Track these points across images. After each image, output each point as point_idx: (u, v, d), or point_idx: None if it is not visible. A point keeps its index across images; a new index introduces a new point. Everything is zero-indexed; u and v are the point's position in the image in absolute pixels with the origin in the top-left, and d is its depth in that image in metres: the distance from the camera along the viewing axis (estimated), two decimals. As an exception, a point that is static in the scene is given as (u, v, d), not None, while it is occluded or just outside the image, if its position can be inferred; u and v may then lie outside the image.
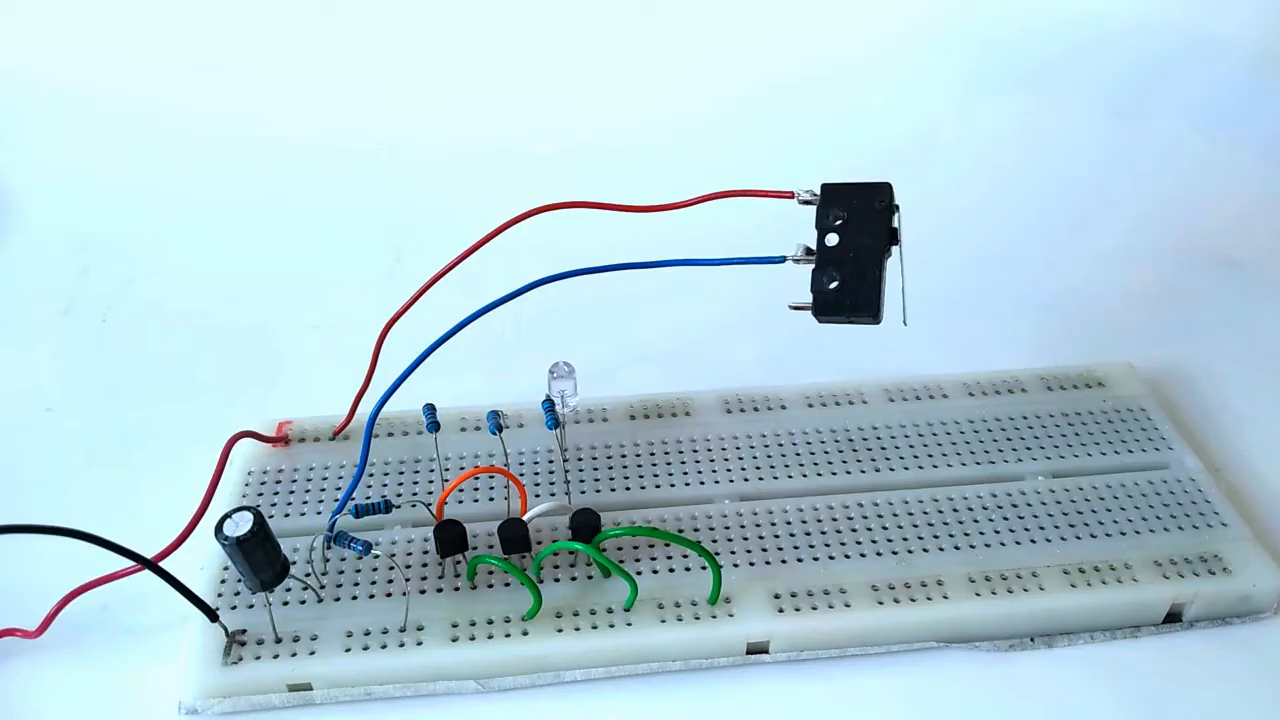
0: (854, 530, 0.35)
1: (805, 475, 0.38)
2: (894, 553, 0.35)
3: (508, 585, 0.33)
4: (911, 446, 0.39)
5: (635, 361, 0.44)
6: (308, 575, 0.33)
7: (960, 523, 0.36)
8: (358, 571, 0.34)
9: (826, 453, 0.38)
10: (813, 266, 0.32)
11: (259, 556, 0.30)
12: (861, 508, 0.36)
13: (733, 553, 0.35)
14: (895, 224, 0.31)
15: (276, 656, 0.31)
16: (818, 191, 0.32)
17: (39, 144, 0.57)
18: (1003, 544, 0.35)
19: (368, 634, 0.32)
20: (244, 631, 0.32)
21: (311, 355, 0.45)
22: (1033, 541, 0.35)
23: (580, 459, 0.38)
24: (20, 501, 0.38)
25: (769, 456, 0.38)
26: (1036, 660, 0.33)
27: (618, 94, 0.58)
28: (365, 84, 0.58)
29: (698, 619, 0.33)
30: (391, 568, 0.34)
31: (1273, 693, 0.32)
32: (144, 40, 0.58)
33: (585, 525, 0.34)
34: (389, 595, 0.33)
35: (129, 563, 0.30)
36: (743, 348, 0.45)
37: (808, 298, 0.32)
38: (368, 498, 0.36)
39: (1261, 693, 0.32)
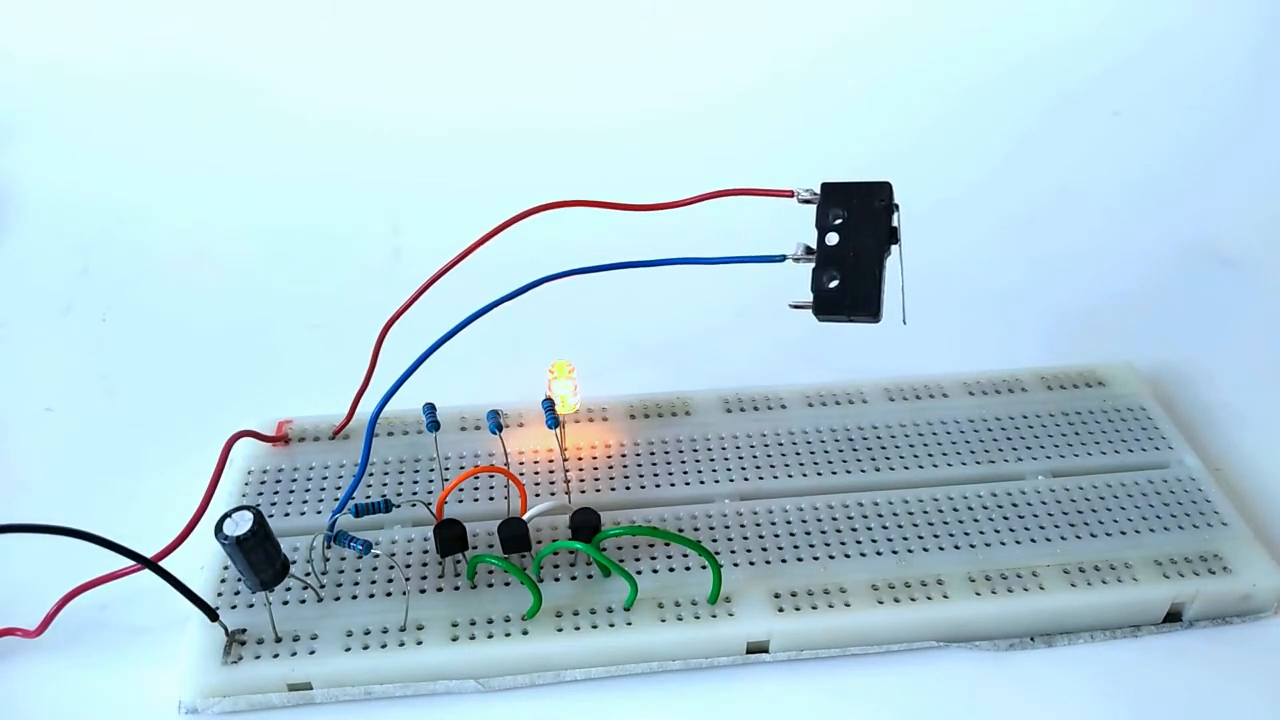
0: (854, 530, 0.35)
1: (805, 475, 0.38)
2: (894, 552, 0.35)
3: (508, 585, 0.33)
4: (911, 446, 0.39)
5: (635, 361, 0.44)
6: (308, 575, 0.33)
7: (960, 522, 0.36)
8: (358, 571, 0.34)
9: (826, 452, 0.38)
10: (813, 265, 0.32)
11: (259, 556, 0.30)
12: (861, 507, 0.36)
13: (733, 552, 0.35)
14: (895, 223, 0.31)
15: (276, 656, 0.31)
16: (817, 190, 0.32)
17: (39, 144, 0.57)
18: (1003, 543, 0.35)
19: (368, 633, 0.32)
20: (244, 631, 0.32)
21: (311, 355, 0.45)
22: (1033, 541, 0.35)
23: (580, 458, 0.38)
24: (20, 501, 0.38)
25: (769, 456, 0.38)
26: (1036, 660, 0.33)
27: (618, 90, 0.58)
28: (364, 84, 0.58)
29: (698, 618, 0.33)
30: (391, 567, 0.34)
31: (1273, 693, 0.32)
32: (142, 40, 0.58)
33: (585, 525, 0.34)
34: (389, 595, 0.33)
35: (129, 562, 0.30)
36: (743, 347, 0.45)
37: (808, 297, 0.32)
38: (368, 497, 0.36)
39: (1261, 693, 0.32)
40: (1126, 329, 0.47)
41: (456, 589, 0.33)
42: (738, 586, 0.33)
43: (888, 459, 0.38)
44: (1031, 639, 0.33)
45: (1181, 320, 0.48)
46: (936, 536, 0.35)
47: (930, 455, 0.38)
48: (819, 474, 0.38)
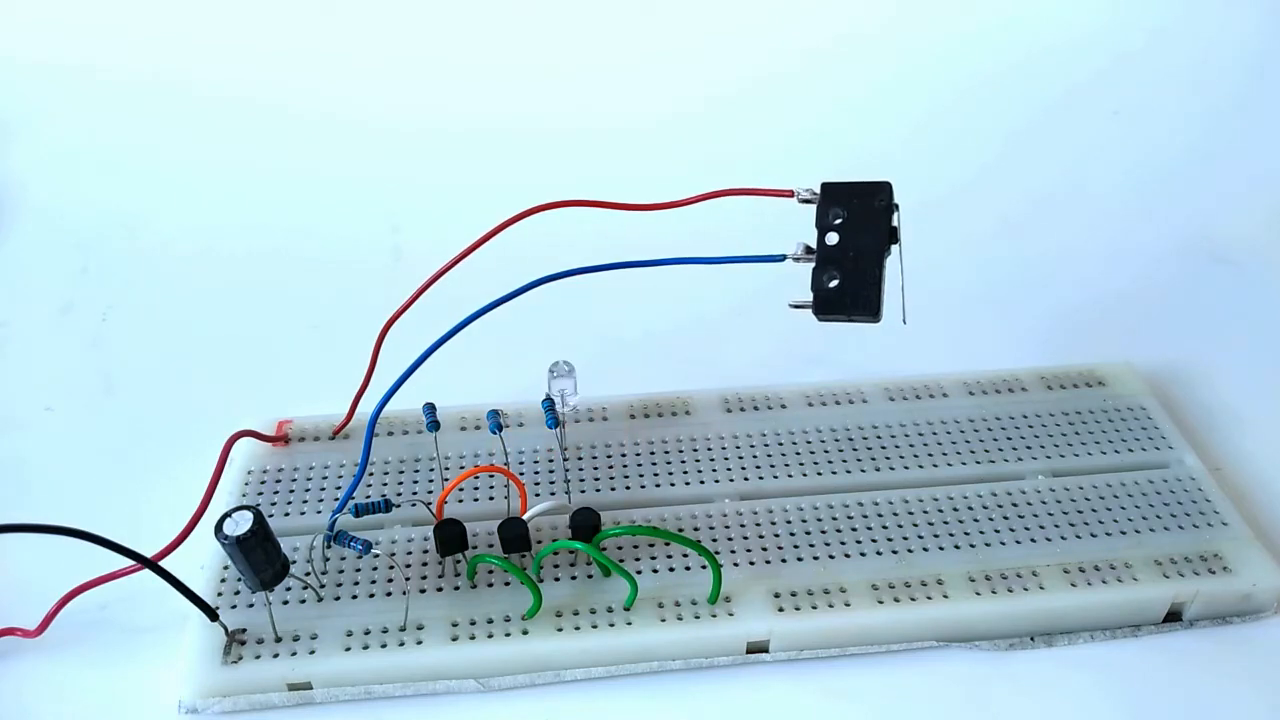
0: (854, 530, 0.35)
1: (805, 475, 0.38)
2: (894, 552, 0.35)
3: (508, 584, 0.33)
4: (911, 446, 0.39)
5: (635, 361, 0.44)
6: (308, 574, 0.33)
7: (960, 522, 0.36)
8: (358, 571, 0.34)
9: (826, 452, 0.38)
10: (813, 265, 0.32)
11: (259, 556, 0.30)
12: (861, 507, 0.36)
13: (733, 552, 0.35)
14: (895, 222, 0.31)
15: (276, 656, 0.31)
16: (817, 190, 0.32)
17: (39, 144, 0.57)
18: (1002, 543, 0.35)
19: (368, 633, 0.32)
20: (244, 631, 0.32)
21: (311, 355, 0.45)
22: (1033, 541, 0.35)
23: (580, 458, 0.38)
24: (20, 501, 0.38)
25: (769, 456, 0.38)
26: (1036, 660, 0.33)
27: (618, 89, 0.58)
28: (364, 83, 0.58)
29: (698, 618, 0.33)
30: (391, 567, 0.34)
31: (1273, 693, 0.32)
32: (143, 41, 0.58)
33: (585, 524, 0.34)
34: (389, 594, 0.33)
35: (129, 562, 0.30)
36: (743, 347, 0.45)
37: (808, 296, 0.32)
38: (368, 497, 0.36)
39: (1261, 693, 0.32)
40: (1126, 329, 0.47)
41: (456, 589, 0.33)
42: (738, 586, 0.33)
43: (888, 459, 0.38)
44: (1031, 639, 0.33)
45: (1181, 320, 0.48)
46: (936, 536, 0.35)
47: (930, 455, 0.38)
48: (819, 474, 0.38)
